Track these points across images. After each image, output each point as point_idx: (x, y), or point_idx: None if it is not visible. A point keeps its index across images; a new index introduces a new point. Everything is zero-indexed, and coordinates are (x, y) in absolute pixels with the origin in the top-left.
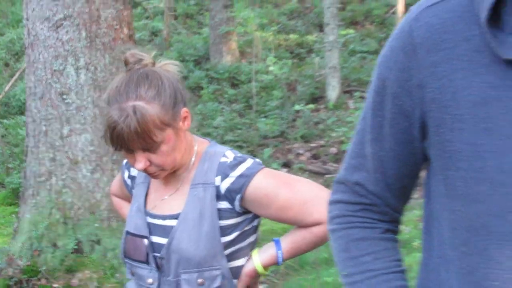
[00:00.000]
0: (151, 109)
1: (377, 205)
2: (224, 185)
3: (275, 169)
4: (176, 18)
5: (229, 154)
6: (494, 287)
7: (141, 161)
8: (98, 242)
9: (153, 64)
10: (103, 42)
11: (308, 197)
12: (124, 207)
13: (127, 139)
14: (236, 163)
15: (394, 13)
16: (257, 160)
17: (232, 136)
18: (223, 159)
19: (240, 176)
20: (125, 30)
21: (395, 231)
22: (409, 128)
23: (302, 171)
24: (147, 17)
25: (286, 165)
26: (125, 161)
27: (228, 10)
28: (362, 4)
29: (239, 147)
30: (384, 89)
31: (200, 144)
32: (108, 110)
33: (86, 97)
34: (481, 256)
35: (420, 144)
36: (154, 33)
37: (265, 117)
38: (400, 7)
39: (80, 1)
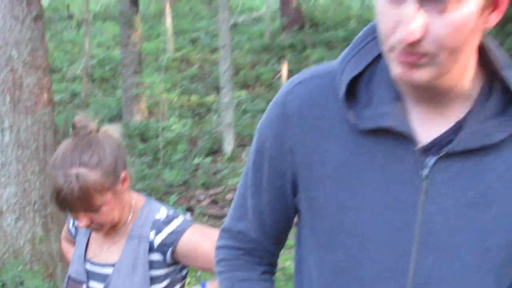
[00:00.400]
0: (94, 175)
1: (257, 250)
2: (158, 240)
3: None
4: (93, 81)
5: (163, 211)
6: None
7: (83, 220)
8: (21, 283)
9: (97, 130)
10: (26, 106)
11: None
12: (71, 252)
13: (71, 203)
14: (169, 220)
15: (279, 77)
16: (187, 217)
17: (142, 185)
18: (157, 216)
19: (172, 232)
20: (45, 95)
21: (272, 273)
22: (283, 186)
23: (203, 214)
24: (67, 81)
25: (189, 209)
26: None
27: (138, 76)
28: (253, 69)
29: (148, 195)
30: (263, 151)
31: (138, 201)
32: (54, 174)
33: (10, 155)
34: None
35: (292, 199)
36: (74, 95)
37: (171, 168)
38: (284, 72)
39: (5, 71)
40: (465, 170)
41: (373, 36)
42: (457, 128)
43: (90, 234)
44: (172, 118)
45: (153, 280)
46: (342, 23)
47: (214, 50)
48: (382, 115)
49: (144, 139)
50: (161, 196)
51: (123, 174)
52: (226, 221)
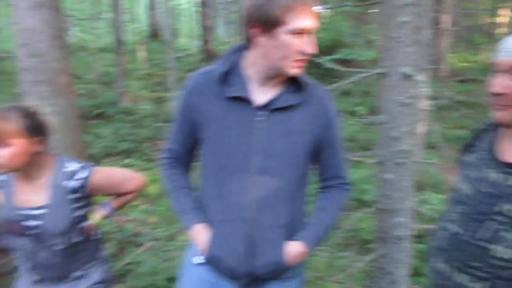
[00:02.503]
0: (18, 121)
1: (179, 159)
2: (72, 184)
3: None
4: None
5: (72, 164)
6: (228, 193)
7: None
8: None
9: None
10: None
11: (127, 178)
12: None
13: None
14: (76, 171)
15: None
16: (89, 163)
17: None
18: (66, 169)
19: (82, 178)
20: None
21: (188, 171)
22: (190, 126)
23: None
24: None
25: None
26: None
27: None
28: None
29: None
30: (180, 110)
31: (52, 159)
32: None
33: None
34: (223, 179)
35: (196, 133)
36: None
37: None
38: None
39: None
40: (281, 117)
41: (233, 52)
42: (277, 97)
43: (12, 188)
44: (150, 102)
45: (75, 210)
46: None
47: (167, 69)
48: (237, 90)
49: (130, 115)
50: (140, 143)
51: (39, 139)
52: (165, 144)
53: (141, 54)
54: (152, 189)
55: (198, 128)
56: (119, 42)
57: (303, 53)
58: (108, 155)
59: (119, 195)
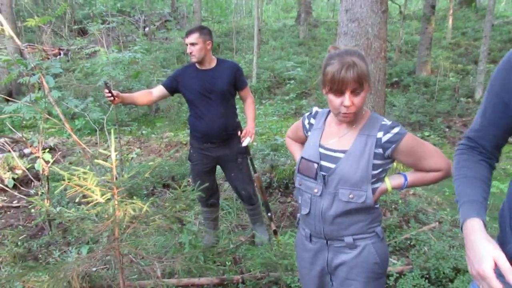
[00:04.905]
0: (364, 65)
1: (478, 148)
2: (385, 138)
3: None
4: (400, 52)
5: (387, 120)
6: None
7: (348, 99)
8: None
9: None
10: (372, 58)
11: (434, 153)
12: (293, 145)
13: (346, 82)
14: (393, 126)
15: None
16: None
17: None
18: (383, 122)
19: (397, 133)
20: (382, 53)
21: (489, 163)
22: (505, 111)
23: (457, 131)
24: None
25: (448, 127)
26: (307, 114)
27: (428, 50)
28: (500, 52)
29: (424, 115)
30: (493, 90)
31: (367, 112)
32: (331, 62)
33: None
34: None
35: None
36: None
37: (440, 102)
38: None
39: (363, 38)
40: None
41: None
42: None
43: (322, 131)
44: (451, 74)
45: (372, 167)
46: None
47: (476, 39)
48: None
49: (426, 86)
50: (432, 117)
51: (369, 84)
52: (467, 131)
53: (450, 22)
54: None
55: None
56: (431, 8)
57: None
58: None
59: (418, 169)
